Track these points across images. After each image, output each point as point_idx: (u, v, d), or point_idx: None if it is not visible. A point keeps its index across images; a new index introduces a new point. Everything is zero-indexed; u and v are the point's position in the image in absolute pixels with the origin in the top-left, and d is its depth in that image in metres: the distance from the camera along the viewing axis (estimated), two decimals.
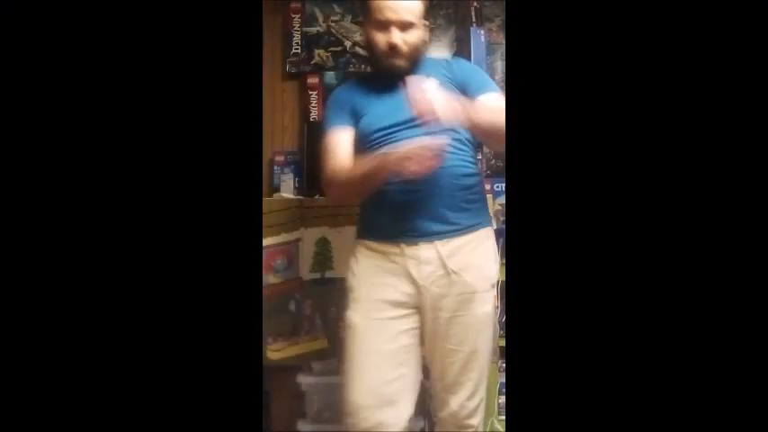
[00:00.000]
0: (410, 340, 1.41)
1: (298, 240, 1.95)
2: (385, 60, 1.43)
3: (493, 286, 1.46)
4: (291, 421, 1.94)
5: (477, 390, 1.43)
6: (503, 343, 1.81)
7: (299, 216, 1.94)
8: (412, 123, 1.32)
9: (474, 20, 2.00)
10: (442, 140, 1.25)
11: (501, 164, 2.17)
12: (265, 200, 1.95)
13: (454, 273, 1.39)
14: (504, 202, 1.97)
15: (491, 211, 1.97)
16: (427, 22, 1.50)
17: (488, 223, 1.52)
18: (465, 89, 1.44)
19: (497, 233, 1.86)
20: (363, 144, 1.45)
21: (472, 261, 1.41)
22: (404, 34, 1.41)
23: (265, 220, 1.89)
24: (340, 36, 2.07)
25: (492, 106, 1.37)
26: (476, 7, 2.01)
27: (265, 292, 1.87)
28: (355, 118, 1.48)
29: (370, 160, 1.36)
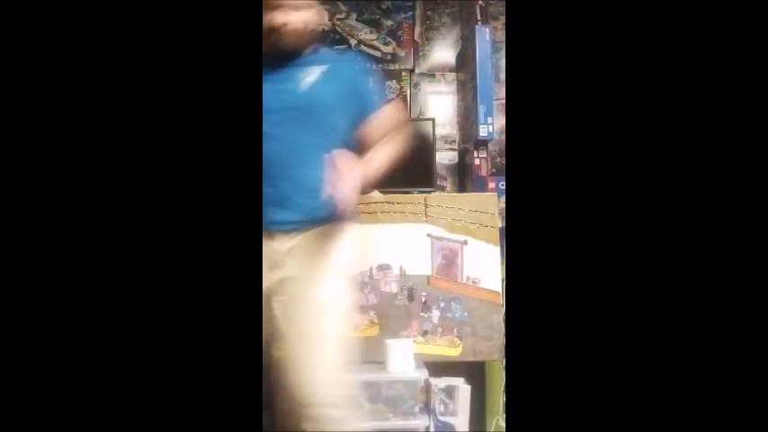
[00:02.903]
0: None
1: None
2: (270, 38, 1.48)
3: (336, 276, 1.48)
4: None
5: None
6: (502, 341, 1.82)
7: None
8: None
9: (479, 18, 2.01)
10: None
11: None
12: None
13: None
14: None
15: (496, 209, 1.96)
16: (325, 7, 1.56)
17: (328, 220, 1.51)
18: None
19: (498, 231, 1.86)
20: None
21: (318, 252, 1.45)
22: (296, 14, 1.46)
23: None
24: (345, 34, 2.08)
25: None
26: (481, 5, 2.02)
27: None
28: None
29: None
